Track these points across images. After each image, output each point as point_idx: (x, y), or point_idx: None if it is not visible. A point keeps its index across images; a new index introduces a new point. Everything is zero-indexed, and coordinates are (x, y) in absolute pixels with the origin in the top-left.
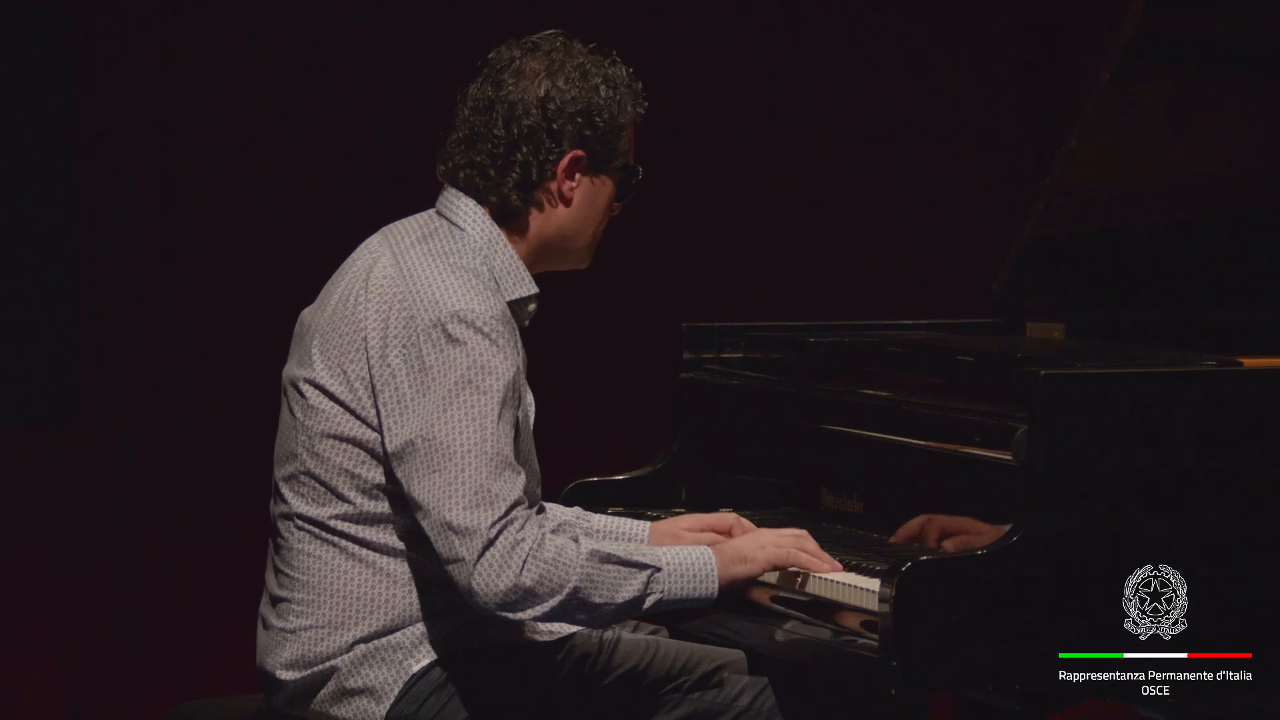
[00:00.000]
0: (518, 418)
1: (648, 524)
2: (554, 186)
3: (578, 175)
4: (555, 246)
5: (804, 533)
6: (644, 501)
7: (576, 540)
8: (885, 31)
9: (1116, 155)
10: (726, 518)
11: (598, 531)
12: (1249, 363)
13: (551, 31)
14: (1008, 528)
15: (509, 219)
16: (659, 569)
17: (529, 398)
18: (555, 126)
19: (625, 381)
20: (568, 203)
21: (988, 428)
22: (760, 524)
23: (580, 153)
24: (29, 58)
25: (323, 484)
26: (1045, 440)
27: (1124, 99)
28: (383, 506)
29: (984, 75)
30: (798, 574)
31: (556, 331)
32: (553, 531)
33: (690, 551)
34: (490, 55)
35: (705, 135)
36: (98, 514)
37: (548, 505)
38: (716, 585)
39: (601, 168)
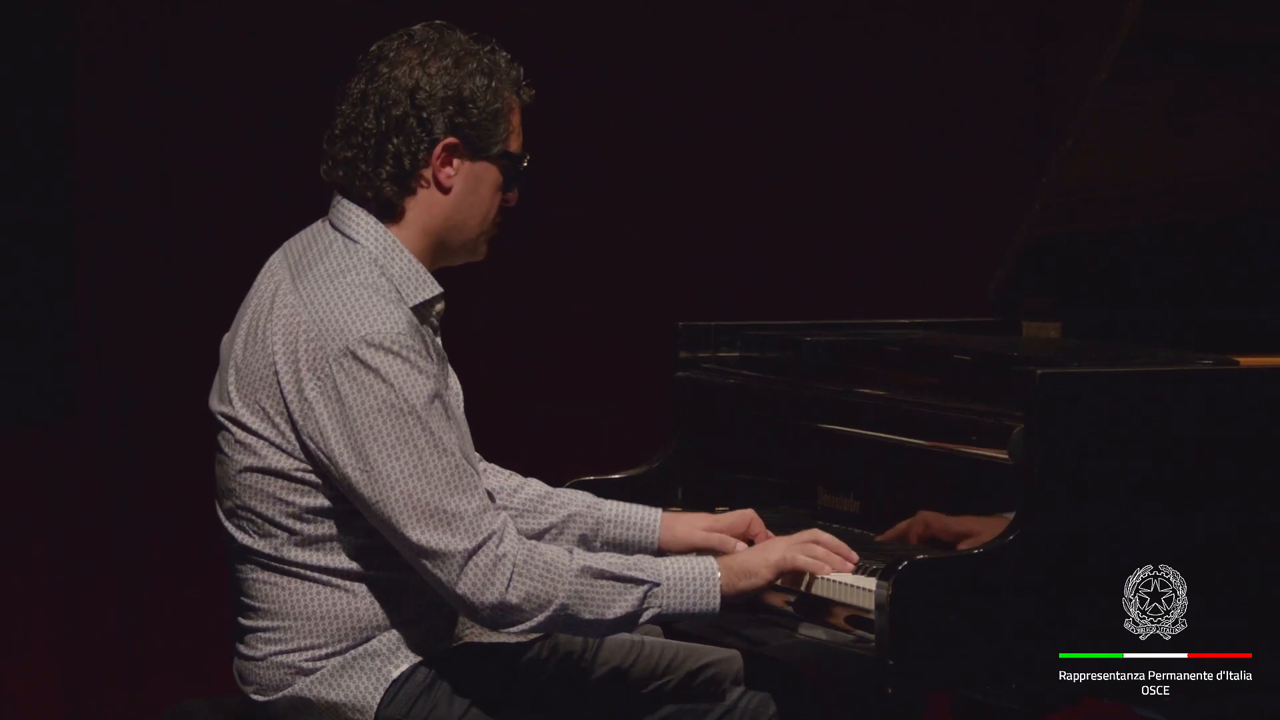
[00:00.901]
0: (449, 419)
1: (659, 511)
2: (428, 175)
3: (456, 162)
4: (444, 238)
5: (815, 532)
6: (641, 500)
7: (571, 552)
8: (885, 31)
9: (1115, 155)
10: (745, 515)
11: (609, 520)
12: (1246, 362)
13: (431, 22)
14: (1004, 527)
15: (391, 215)
16: (658, 584)
17: (454, 384)
18: (425, 115)
19: (622, 381)
20: (446, 190)
21: (984, 427)
22: None
23: (454, 140)
24: (29, 58)
25: (261, 517)
26: (1042, 439)
27: (1122, 98)
28: (327, 529)
29: (984, 75)
30: (796, 573)
31: (554, 330)
32: (560, 524)
33: (694, 565)
34: (370, 49)
35: (704, 135)
36: (98, 514)
37: (558, 491)
38: (719, 601)
39: (480, 154)
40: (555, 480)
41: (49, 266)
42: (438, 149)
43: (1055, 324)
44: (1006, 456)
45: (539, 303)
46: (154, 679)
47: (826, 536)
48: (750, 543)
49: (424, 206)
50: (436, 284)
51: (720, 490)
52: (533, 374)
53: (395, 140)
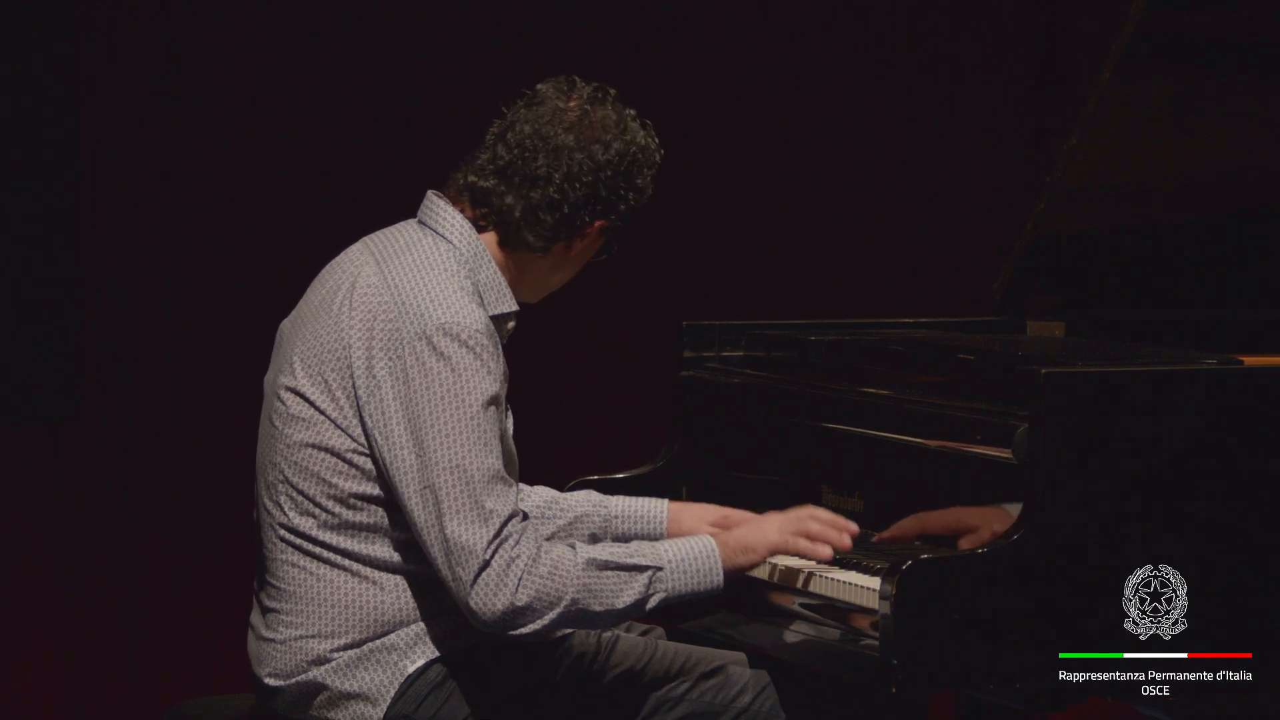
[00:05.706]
0: (502, 431)
1: (665, 502)
2: (575, 242)
3: (594, 236)
4: (527, 281)
5: (809, 509)
6: None
7: (574, 547)
8: (888, 32)
9: (1117, 154)
10: (753, 517)
11: (616, 516)
12: (1250, 361)
13: (603, 86)
14: (1008, 526)
15: (505, 246)
16: (660, 568)
17: (508, 413)
18: (605, 193)
19: (626, 379)
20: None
21: (988, 426)
22: None
23: (607, 224)
24: (31, 58)
25: (303, 494)
26: (1046, 438)
27: (1125, 98)
28: (365, 516)
29: (984, 75)
30: (799, 572)
31: (558, 329)
32: (568, 526)
33: (693, 544)
34: (540, 88)
35: (706, 134)
36: (98, 514)
37: (562, 496)
38: (721, 576)
39: (607, 233)
40: (559, 480)
41: (50, 266)
42: (595, 226)
43: (1059, 323)
44: (1010, 456)
45: (543, 301)
46: (156, 678)
47: (822, 512)
48: None
49: (540, 259)
50: (515, 301)
51: (724, 489)
52: (536, 373)
53: (571, 204)
